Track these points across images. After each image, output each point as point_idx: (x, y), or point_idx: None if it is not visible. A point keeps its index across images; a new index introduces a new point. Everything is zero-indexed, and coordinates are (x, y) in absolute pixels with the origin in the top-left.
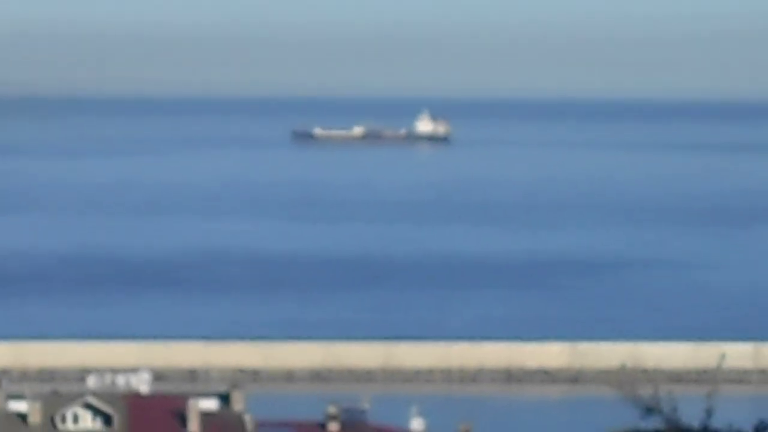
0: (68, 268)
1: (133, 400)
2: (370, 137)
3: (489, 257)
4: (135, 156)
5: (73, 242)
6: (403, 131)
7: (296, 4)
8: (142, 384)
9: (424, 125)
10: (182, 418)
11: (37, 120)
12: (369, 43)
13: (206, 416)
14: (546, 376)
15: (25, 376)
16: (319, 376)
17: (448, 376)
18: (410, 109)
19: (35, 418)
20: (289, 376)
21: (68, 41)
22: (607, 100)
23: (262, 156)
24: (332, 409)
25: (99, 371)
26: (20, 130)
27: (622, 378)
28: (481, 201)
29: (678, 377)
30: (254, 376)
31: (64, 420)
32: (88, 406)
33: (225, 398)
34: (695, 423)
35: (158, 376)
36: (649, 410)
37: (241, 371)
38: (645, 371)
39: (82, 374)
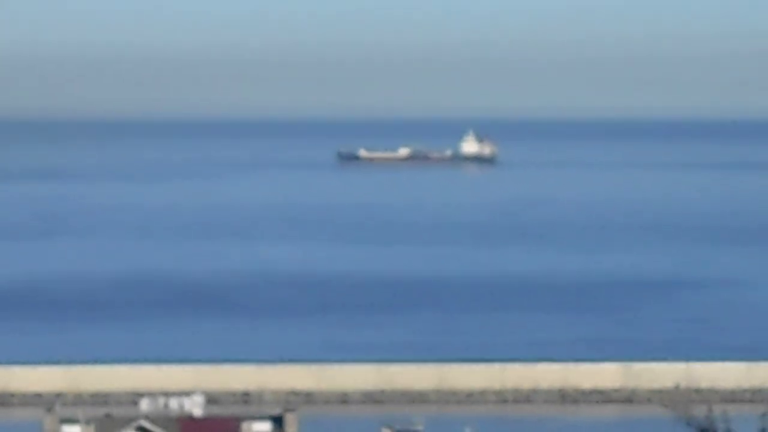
0: (121, 292)
1: (187, 424)
2: (415, 158)
3: (542, 278)
4: (186, 179)
5: (126, 266)
6: (448, 152)
7: (341, 24)
8: (196, 407)
9: (470, 146)
10: None
11: (91, 144)
12: (413, 64)
13: None
14: (600, 396)
15: (79, 400)
16: (372, 398)
17: (502, 397)
18: (455, 129)
19: None
20: (342, 399)
21: (121, 65)
22: (656, 119)
23: (308, 178)
24: (386, 431)
25: (152, 395)
26: (74, 153)
27: (677, 398)
28: (532, 222)
29: (732, 397)
30: (307, 398)
31: None
32: (142, 430)
33: (278, 421)
34: None
35: (211, 399)
36: (704, 430)
37: (295, 394)
38: (699, 391)
39: (135, 398)
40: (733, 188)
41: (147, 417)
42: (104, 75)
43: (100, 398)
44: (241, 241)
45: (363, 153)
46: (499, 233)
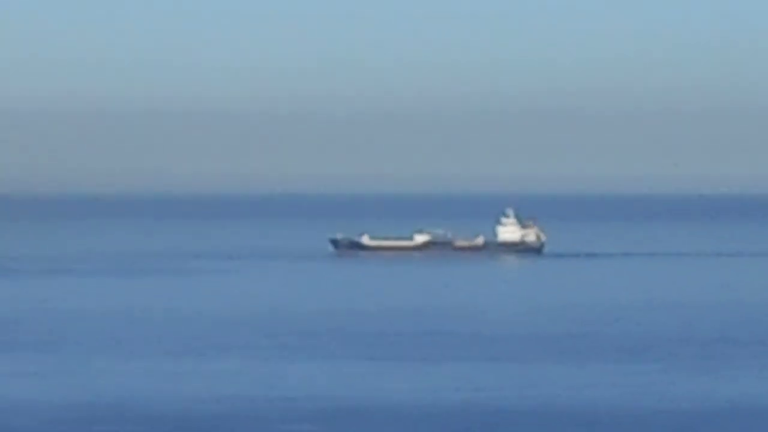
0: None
1: None
2: (436, 247)
3: (634, 406)
4: (151, 276)
5: (93, 394)
6: (480, 239)
7: (335, 74)
8: None
9: (510, 231)
10: None
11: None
12: (426, 121)
13: None
14: None
15: None
16: None
17: None
18: (489, 207)
19: None
20: None
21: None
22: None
23: (295, 274)
24: None
25: None
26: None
27: None
28: (605, 332)
29: None
30: None
31: None
32: None
33: None
34: None
35: None
36: None
37: None
38: None
39: None
40: None
41: None
42: None
43: None
44: (229, 358)
45: (367, 240)
46: (560, 347)
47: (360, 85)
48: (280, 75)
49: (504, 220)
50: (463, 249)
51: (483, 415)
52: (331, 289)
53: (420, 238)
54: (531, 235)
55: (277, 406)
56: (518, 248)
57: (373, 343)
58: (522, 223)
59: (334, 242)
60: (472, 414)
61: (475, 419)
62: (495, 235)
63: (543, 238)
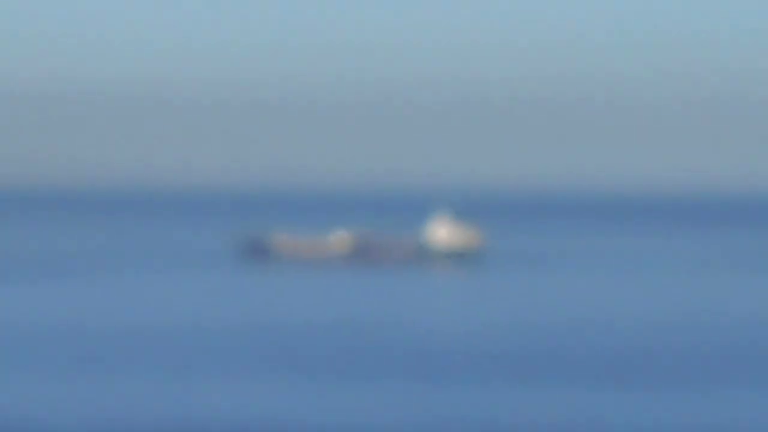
0: None
1: None
2: (359, 251)
3: None
4: (29, 283)
5: None
6: (410, 242)
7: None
8: None
9: (445, 233)
10: None
11: None
12: (342, 108)
13: None
14: None
15: None
16: None
17: None
18: (419, 205)
19: None
20: None
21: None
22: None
23: (201, 281)
24: None
25: None
26: None
27: None
28: (563, 350)
29: None
30: None
31: None
32: None
33: None
34: None
35: None
36: None
37: None
38: None
39: None
40: None
41: None
42: None
43: None
44: (122, 379)
45: (277, 241)
46: (513, 364)
47: (255, 72)
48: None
49: (438, 219)
50: (390, 253)
51: None
52: (237, 298)
53: (339, 240)
54: (470, 239)
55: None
56: (455, 254)
57: (294, 361)
58: (459, 224)
59: (239, 243)
60: None
61: None
62: (427, 237)
63: (480, 239)
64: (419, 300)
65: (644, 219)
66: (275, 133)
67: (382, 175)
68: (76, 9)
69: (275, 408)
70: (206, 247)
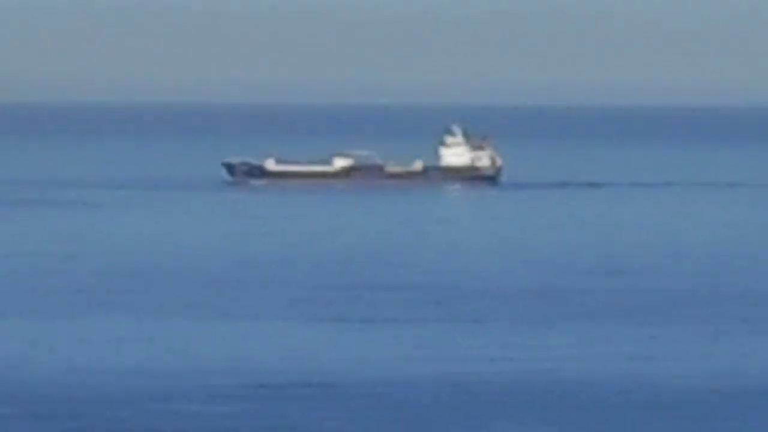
0: None
1: None
2: (362, 174)
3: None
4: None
5: None
6: (418, 164)
7: None
8: None
9: (457, 153)
10: None
11: None
12: (359, 25)
13: None
14: None
15: None
16: None
17: None
18: (429, 123)
19: None
20: None
21: None
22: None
23: (190, 209)
24: None
25: None
26: None
27: None
28: (594, 288)
29: None
30: None
31: None
32: None
33: None
34: None
35: None
36: None
37: None
38: None
39: None
40: None
41: None
42: None
43: None
44: (116, 321)
45: (272, 165)
46: (544, 303)
47: None
48: None
49: (449, 139)
50: (396, 176)
51: (451, 393)
52: (231, 230)
53: (340, 163)
54: (484, 159)
55: (186, 381)
56: (467, 175)
57: (302, 299)
58: (472, 144)
59: (230, 167)
60: (434, 391)
61: (441, 398)
62: (437, 158)
63: (499, 162)
64: (435, 227)
65: (666, 133)
66: (265, 49)
67: (386, 90)
68: None
69: (295, 351)
70: (198, 172)
